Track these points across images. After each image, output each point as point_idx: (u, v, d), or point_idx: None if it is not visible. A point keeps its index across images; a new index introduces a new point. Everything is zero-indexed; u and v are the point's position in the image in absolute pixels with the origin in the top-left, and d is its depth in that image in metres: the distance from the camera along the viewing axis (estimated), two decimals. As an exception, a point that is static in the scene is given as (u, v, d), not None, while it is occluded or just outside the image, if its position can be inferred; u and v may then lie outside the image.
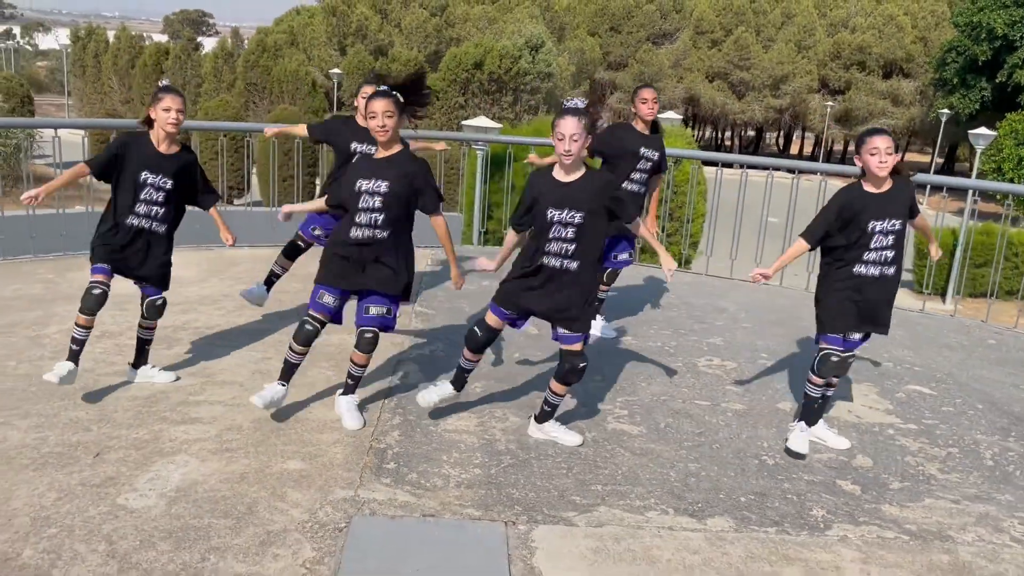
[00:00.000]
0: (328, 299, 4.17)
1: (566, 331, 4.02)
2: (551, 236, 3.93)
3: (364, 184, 4.10)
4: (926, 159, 63.81)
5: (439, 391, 4.24)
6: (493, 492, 3.71)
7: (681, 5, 55.78)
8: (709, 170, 13.27)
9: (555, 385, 4.12)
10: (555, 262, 3.95)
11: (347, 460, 3.91)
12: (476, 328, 4.14)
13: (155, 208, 4.45)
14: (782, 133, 63.58)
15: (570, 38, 49.71)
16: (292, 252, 5.71)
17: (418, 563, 3.14)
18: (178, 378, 4.70)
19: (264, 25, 58.95)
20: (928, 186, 8.50)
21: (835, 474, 4.13)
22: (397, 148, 4.18)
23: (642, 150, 5.44)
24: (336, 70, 42.50)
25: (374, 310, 4.16)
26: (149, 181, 4.41)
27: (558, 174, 3.97)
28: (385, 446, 4.08)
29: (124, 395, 4.49)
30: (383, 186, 4.08)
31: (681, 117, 31.62)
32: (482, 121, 12.19)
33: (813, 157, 61.23)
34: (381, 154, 4.18)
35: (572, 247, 3.92)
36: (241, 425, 4.20)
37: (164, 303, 4.62)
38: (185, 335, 5.44)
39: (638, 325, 6.23)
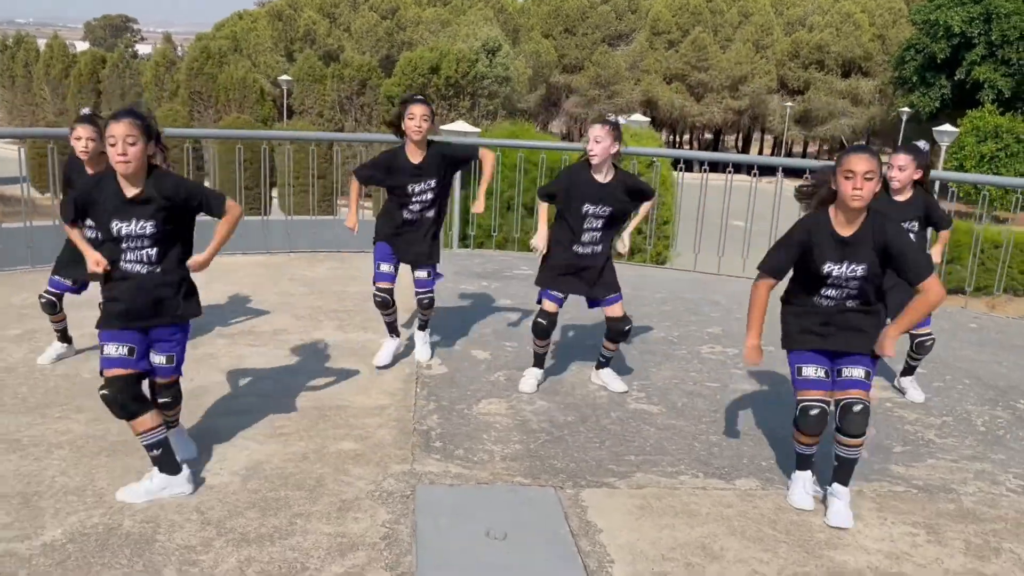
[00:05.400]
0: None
1: None
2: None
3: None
4: (884, 159, 64.97)
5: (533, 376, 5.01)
6: (536, 463, 4.02)
7: (636, 5, 55.24)
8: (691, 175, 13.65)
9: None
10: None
11: (396, 440, 4.19)
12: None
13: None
14: (741, 135, 63.96)
15: (525, 40, 48.66)
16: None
17: (485, 521, 3.44)
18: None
19: (200, 31, 55.90)
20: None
21: (843, 441, 4.49)
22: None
23: None
24: (285, 76, 40.90)
25: None
26: None
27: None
28: (427, 428, 4.37)
29: (172, 389, 4.72)
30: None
31: (648, 119, 31.86)
32: (460, 125, 12.31)
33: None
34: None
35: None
36: (288, 414, 4.46)
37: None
38: (204, 336, 5.66)
39: (640, 317, 6.55)
